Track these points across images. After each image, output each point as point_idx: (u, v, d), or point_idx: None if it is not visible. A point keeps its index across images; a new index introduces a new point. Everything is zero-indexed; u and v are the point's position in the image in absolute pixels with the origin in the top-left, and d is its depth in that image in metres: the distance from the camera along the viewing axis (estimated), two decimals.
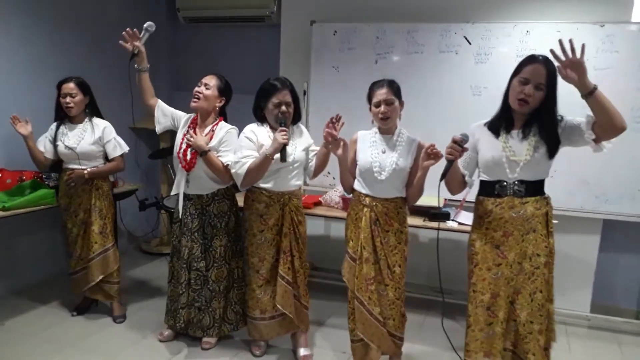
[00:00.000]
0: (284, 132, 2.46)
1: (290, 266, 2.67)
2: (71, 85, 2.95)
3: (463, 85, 3.43)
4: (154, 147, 4.50)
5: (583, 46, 1.83)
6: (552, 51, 1.87)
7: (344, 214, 2.74)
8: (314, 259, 3.85)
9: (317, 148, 2.66)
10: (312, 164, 2.69)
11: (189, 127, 2.74)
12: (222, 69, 2.99)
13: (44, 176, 3.20)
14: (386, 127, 2.39)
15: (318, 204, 3.45)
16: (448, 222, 3.07)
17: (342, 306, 3.26)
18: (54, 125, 3.05)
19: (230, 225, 2.82)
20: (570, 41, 1.82)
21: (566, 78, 1.89)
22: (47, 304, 3.36)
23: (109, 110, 3.25)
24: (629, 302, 3.55)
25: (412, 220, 2.89)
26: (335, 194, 3.42)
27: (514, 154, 2.10)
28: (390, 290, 2.40)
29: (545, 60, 2.00)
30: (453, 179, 2.25)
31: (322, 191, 3.62)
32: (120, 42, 2.70)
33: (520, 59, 2.11)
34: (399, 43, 3.55)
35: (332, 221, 4.01)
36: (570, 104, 2.06)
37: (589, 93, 1.88)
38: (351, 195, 2.54)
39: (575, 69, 1.85)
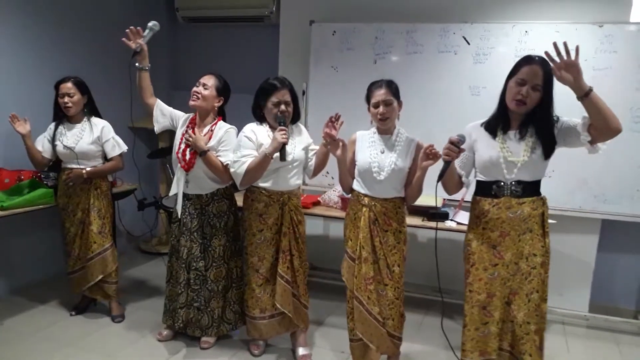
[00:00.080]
0: (283, 132, 2.46)
1: (289, 265, 2.67)
2: (69, 85, 2.94)
3: (462, 86, 3.44)
4: (152, 147, 4.50)
5: (577, 48, 1.83)
6: (547, 53, 1.88)
7: (342, 214, 2.74)
8: (312, 258, 3.85)
9: (317, 147, 2.66)
10: (312, 163, 2.69)
11: (187, 126, 2.74)
12: (221, 69, 2.99)
13: (42, 176, 3.20)
14: (385, 127, 2.39)
15: (317, 203, 3.45)
16: (447, 221, 3.07)
17: (341, 306, 3.27)
18: (52, 125, 3.05)
19: (230, 225, 2.82)
20: (565, 44, 1.83)
21: (561, 79, 1.90)
22: (45, 304, 3.36)
23: (108, 109, 3.25)
24: (628, 302, 3.56)
25: (410, 220, 2.90)
26: (334, 193, 3.42)
27: (511, 154, 2.11)
28: (390, 290, 2.41)
29: (541, 61, 2.01)
30: (450, 180, 2.25)
31: (321, 191, 3.62)
32: (123, 39, 2.70)
33: (518, 59, 2.11)
34: (398, 43, 3.56)
35: (330, 221, 4.01)
36: (568, 105, 2.06)
37: (584, 95, 1.88)
38: (350, 195, 2.54)
39: (570, 70, 1.86)
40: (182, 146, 2.72)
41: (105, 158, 3.10)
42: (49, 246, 3.70)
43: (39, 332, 2.97)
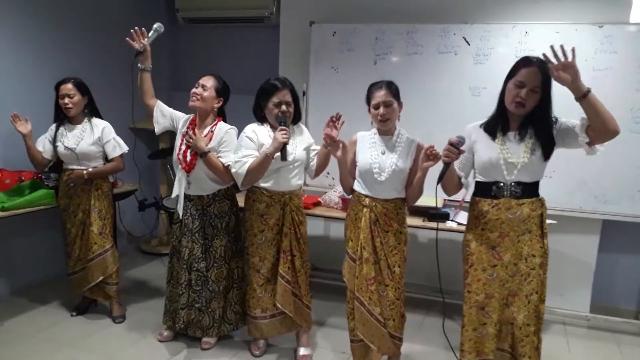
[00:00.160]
0: (284, 131, 2.46)
1: (290, 266, 2.67)
2: (69, 86, 2.95)
3: (462, 86, 3.44)
4: (153, 148, 4.50)
5: (573, 50, 1.84)
6: (544, 55, 1.89)
7: (343, 215, 2.75)
8: (313, 259, 3.84)
9: (318, 147, 2.67)
10: (314, 163, 2.69)
11: (187, 127, 2.74)
12: (222, 70, 3.00)
13: (43, 176, 3.20)
14: (385, 128, 2.39)
15: (317, 204, 3.45)
16: (447, 222, 3.08)
17: (341, 306, 3.27)
18: (53, 126, 3.05)
19: (231, 225, 2.82)
20: (562, 47, 1.84)
21: (559, 80, 1.90)
22: (46, 304, 3.36)
23: (109, 110, 3.25)
24: (628, 303, 3.56)
25: (411, 221, 2.90)
26: (335, 194, 3.42)
27: (511, 156, 2.11)
28: (390, 291, 2.41)
29: (540, 63, 2.00)
30: (449, 181, 2.25)
31: (321, 191, 3.62)
32: (127, 39, 2.71)
33: (517, 60, 2.11)
34: (398, 44, 3.56)
35: (331, 221, 4.01)
36: (566, 106, 2.06)
37: (582, 96, 1.89)
38: (351, 195, 2.54)
39: (567, 71, 1.86)
40: (183, 148, 2.72)
41: (106, 159, 3.10)
42: (50, 247, 3.70)
43: (39, 333, 2.97)
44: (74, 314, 3.22)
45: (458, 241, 2.33)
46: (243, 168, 2.54)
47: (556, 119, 2.11)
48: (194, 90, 2.71)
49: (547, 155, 2.10)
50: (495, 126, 2.17)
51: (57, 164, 3.11)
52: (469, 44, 3.40)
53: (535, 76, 2.01)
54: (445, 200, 3.18)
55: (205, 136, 2.69)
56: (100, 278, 3.06)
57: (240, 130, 2.70)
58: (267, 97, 2.58)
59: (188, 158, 2.69)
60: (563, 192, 3.26)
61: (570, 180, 3.26)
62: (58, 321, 3.14)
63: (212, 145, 2.67)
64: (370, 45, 3.62)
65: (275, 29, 4.13)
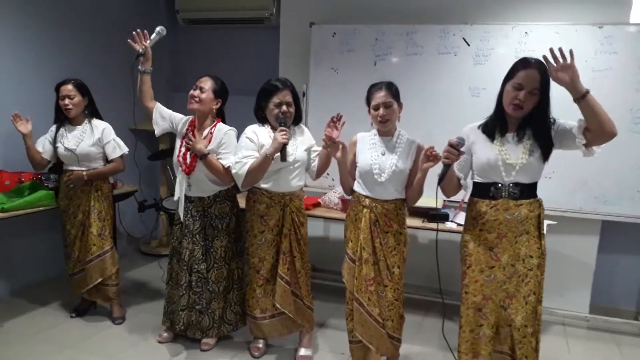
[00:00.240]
0: (284, 132, 2.46)
1: (290, 266, 2.67)
2: (69, 87, 2.95)
3: (462, 87, 3.44)
4: (153, 149, 4.50)
5: (571, 51, 1.85)
6: (544, 57, 1.89)
7: (343, 215, 2.74)
8: (313, 260, 3.84)
9: (319, 148, 2.66)
10: (315, 164, 2.69)
11: (187, 129, 2.74)
12: (222, 71, 3.00)
13: (43, 177, 3.20)
14: (385, 129, 2.39)
15: (317, 205, 3.45)
16: (447, 223, 3.07)
17: (341, 307, 3.25)
18: (53, 127, 3.05)
19: (231, 226, 2.82)
20: (560, 49, 1.85)
21: (557, 80, 1.90)
22: (46, 305, 3.36)
23: (110, 111, 3.25)
24: (628, 303, 3.56)
25: (411, 221, 2.90)
26: (335, 195, 3.42)
27: (509, 157, 2.11)
28: (389, 292, 2.41)
29: (538, 64, 2.00)
30: (449, 183, 2.25)
31: (321, 192, 3.62)
32: (129, 40, 2.71)
33: (515, 62, 2.11)
34: (398, 44, 3.56)
35: (331, 222, 4.01)
36: (564, 107, 2.06)
37: (580, 97, 1.89)
38: (351, 196, 2.54)
39: (566, 72, 1.87)
40: (183, 150, 2.72)
41: (106, 160, 3.10)
42: (50, 247, 3.70)
43: (39, 334, 2.97)
44: (74, 315, 3.22)
45: (458, 242, 2.33)
46: (243, 169, 2.54)
47: (554, 120, 2.11)
48: (191, 92, 2.70)
49: (545, 156, 2.10)
50: (494, 127, 2.17)
51: (57, 165, 3.11)
52: (469, 45, 3.40)
53: (533, 78, 2.01)
54: (445, 201, 3.18)
55: (204, 138, 2.69)
56: (99, 279, 3.06)
57: (240, 131, 2.70)
58: (267, 98, 2.58)
59: (188, 160, 2.69)
60: (563, 193, 3.26)
61: (570, 181, 3.26)
62: (58, 322, 3.14)
63: (211, 147, 2.67)
64: (370, 46, 3.62)
65: (275, 30, 4.14)
